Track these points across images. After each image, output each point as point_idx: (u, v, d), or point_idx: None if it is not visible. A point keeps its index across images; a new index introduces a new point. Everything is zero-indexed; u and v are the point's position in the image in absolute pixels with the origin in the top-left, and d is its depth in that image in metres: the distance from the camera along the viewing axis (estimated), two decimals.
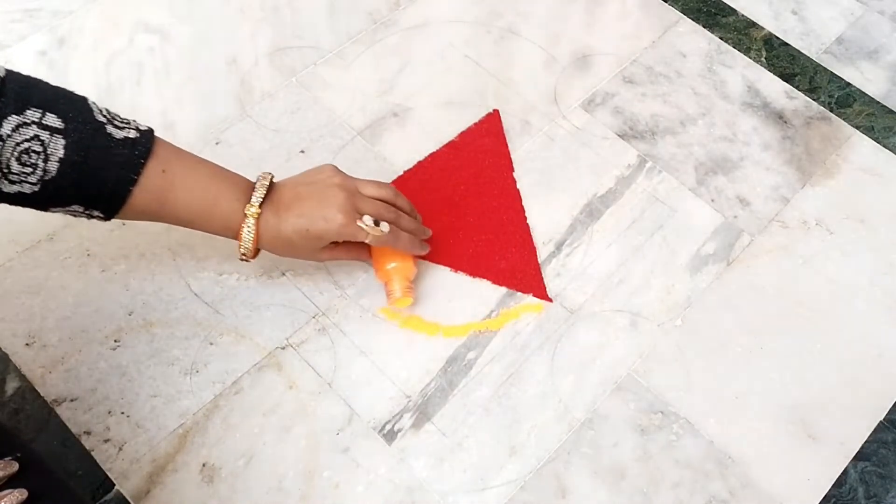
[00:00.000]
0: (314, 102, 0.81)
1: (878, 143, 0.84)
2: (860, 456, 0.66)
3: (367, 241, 0.62)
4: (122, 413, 0.63)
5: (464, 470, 0.63)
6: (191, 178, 0.58)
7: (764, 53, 0.90)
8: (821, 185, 0.81)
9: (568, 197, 0.78)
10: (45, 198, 0.53)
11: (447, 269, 0.72)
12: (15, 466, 0.46)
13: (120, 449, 0.62)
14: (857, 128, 0.85)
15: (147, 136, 0.56)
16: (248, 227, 0.60)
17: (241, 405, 0.64)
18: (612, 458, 0.65)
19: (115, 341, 0.66)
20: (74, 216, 0.56)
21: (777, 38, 0.91)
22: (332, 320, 0.69)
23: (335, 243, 0.64)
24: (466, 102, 0.83)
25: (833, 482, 0.65)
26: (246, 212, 0.60)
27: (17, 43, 0.82)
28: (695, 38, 0.90)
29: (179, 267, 0.70)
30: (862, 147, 0.84)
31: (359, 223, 0.61)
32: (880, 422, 0.68)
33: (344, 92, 0.82)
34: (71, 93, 0.53)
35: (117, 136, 0.54)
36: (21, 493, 0.44)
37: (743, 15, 0.93)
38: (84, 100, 0.54)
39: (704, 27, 0.91)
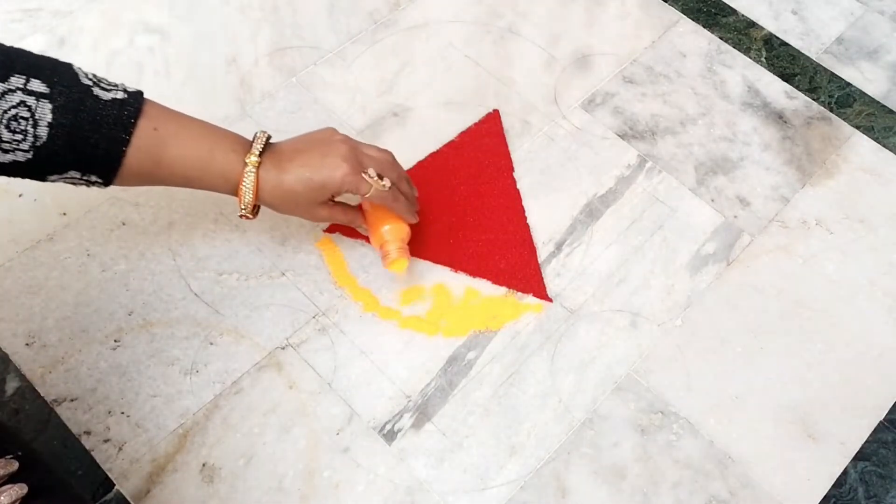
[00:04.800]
0: (314, 102, 0.81)
1: (878, 143, 0.84)
2: (860, 456, 0.66)
3: (367, 194, 0.62)
4: (122, 413, 0.63)
5: (464, 470, 0.63)
6: (184, 134, 0.58)
7: (764, 53, 0.90)
8: (821, 185, 0.81)
9: (568, 197, 0.78)
10: (39, 165, 0.53)
11: (447, 269, 0.72)
12: (15, 465, 0.46)
13: (120, 449, 0.62)
14: (857, 128, 0.85)
15: (136, 97, 0.56)
16: (249, 176, 0.59)
17: (241, 405, 0.64)
18: (612, 458, 0.65)
19: (115, 341, 0.66)
20: (74, 184, 0.56)
21: (777, 38, 0.91)
22: (332, 320, 0.69)
23: (333, 202, 0.64)
24: (466, 102, 0.83)
25: (833, 482, 0.65)
26: (246, 160, 0.59)
27: (17, 43, 0.81)
28: (695, 38, 0.90)
29: (179, 267, 0.70)
30: (862, 147, 0.84)
31: (363, 175, 0.61)
32: (880, 422, 0.68)
33: (344, 92, 0.82)
34: (55, 60, 0.53)
35: (105, 98, 0.54)
36: (21, 488, 0.45)
37: (743, 15, 0.93)
38: (69, 66, 0.54)
39: (704, 27, 0.91)
